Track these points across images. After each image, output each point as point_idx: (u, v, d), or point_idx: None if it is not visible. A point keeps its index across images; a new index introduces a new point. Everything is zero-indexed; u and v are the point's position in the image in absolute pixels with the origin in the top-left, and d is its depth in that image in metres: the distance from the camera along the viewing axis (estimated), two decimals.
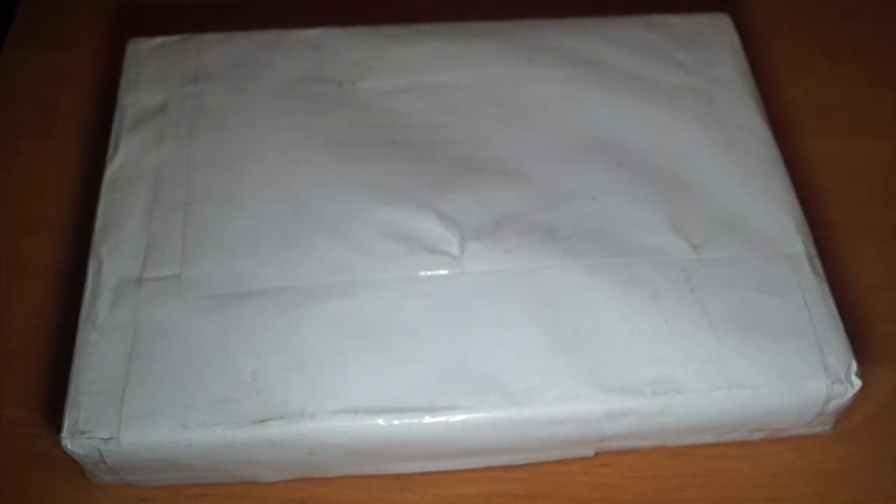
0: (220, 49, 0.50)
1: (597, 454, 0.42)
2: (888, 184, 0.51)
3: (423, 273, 0.42)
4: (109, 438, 0.37)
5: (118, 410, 0.38)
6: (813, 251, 0.43)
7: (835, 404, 0.40)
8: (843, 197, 0.50)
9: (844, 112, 0.54)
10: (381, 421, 0.38)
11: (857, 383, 0.40)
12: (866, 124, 0.53)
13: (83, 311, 0.41)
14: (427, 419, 0.38)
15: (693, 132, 0.47)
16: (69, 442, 0.38)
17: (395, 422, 0.38)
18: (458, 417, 0.38)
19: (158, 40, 0.51)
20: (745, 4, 0.58)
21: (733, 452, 0.42)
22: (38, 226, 0.49)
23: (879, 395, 0.44)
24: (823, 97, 0.54)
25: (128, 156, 0.46)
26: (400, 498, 0.41)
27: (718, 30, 0.51)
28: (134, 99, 0.48)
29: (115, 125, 0.47)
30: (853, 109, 0.54)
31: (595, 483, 0.42)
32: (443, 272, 0.42)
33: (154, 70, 0.49)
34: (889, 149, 0.52)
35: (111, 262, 0.42)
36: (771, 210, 0.44)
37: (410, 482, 0.41)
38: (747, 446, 0.42)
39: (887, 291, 0.47)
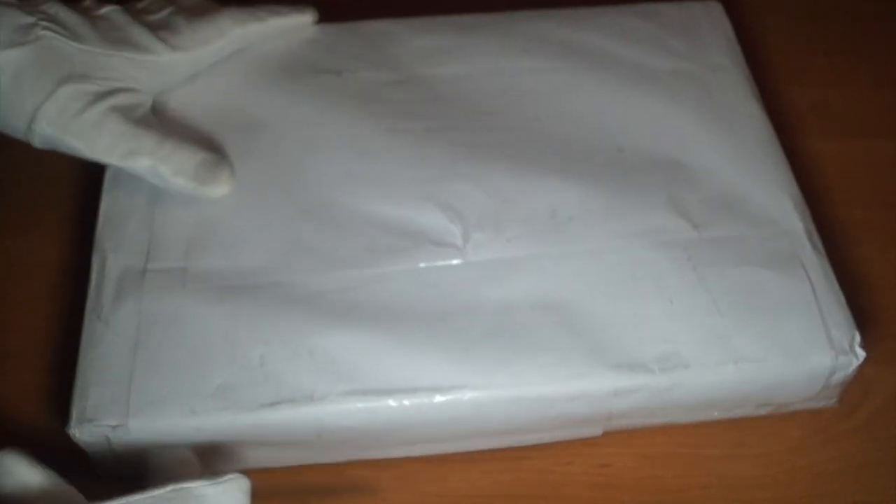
0: None
1: (604, 433, 0.42)
2: (889, 184, 0.51)
3: (427, 265, 0.42)
4: (118, 426, 0.37)
5: (126, 398, 0.38)
6: (812, 227, 0.44)
7: (840, 376, 0.40)
8: (844, 197, 0.50)
9: (844, 112, 0.54)
10: (391, 401, 0.38)
11: (861, 354, 0.40)
12: (866, 124, 0.53)
13: (88, 304, 0.41)
14: (437, 398, 0.38)
15: (690, 116, 0.47)
16: (77, 431, 0.37)
17: (405, 402, 0.38)
18: (468, 396, 0.38)
19: None
20: (745, 5, 0.58)
21: (734, 453, 0.42)
22: (40, 224, 0.49)
23: (880, 396, 0.44)
24: (823, 97, 0.55)
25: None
26: (399, 498, 0.41)
27: (710, 17, 0.52)
28: None
29: None
30: (853, 109, 0.54)
31: (595, 483, 0.42)
32: (447, 263, 0.42)
33: None
34: (889, 149, 0.52)
35: (115, 254, 0.42)
36: (769, 189, 0.45)
37: (410, 483, 0.41)
38: (748, 446, 0.43)
39: (888, 292, 0.47)
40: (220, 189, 0.44)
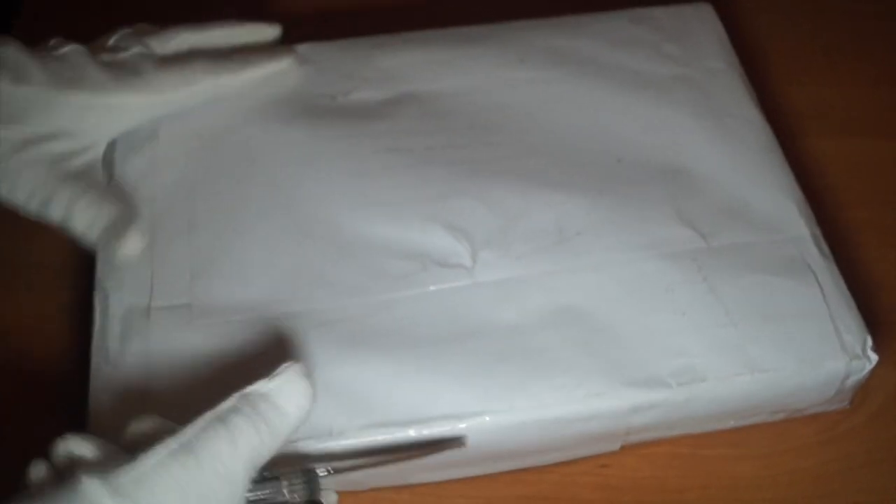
0: None
1: (622, 448, 0.42)
2: (889, 183, 0.51)
3: (436, 287, 0.42)
4: None
5: None
6: (817, 232, 0.44)
7: (853, 380, 0.41)
8: (844, 197, 0.50)
9: (844, 112, 0.54)
10: (411, 433, 0.38)
11: (874, 358, 0.40)
12: (865, 123, 0.53)
13: (94, 346, 0.40)
14: (458, 426, 0.38)
15: (688, 122, 0.47)
16: None
17: (425, 432, 0.38)
18: (487, 422, 0.38)
19: None
20: (738, 4, 0.58)
21: (733, 453, 0.43)
22: (40, 226, 0.47)
23: (879, 396, 0.44)
24: (823, 97, 0.54)
25: (123, 185, 0.45)
26: (398, 498, 0.41)
27: (702, 19, 0.52)
28: None
29: (105, 156, 0.46)
30: (853, 109, 0.54)
31: (596, 484, 0.42)
32: (456, 285, 0.42)
33: None
34: (889, 148, 0.52)
35: (117, 294, 0.41)
36: (772, 194, 0.45)
37: (410, 486, 0.41)
38: (748, 447, 0.43)
39: (888, 291, 0.47)
40: (126, 249, 0.42)
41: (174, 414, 0.38)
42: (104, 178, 0.45)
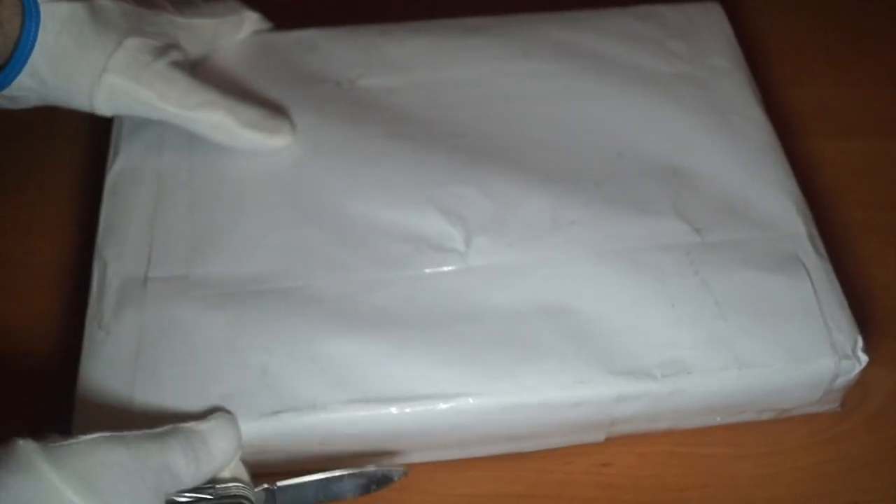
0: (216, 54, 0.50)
1: (607, 439, 0.42)
2: (889, 183, 0.51)
3: (429, 270, 0.42)
4: None
5: (128, 409, 0.38)
6: (814, 231, 0.44)
7: (842, 381, 0.40)
8: (843, 197, 0.50)
9: (845, 112, 0.54)
10: (393, 409, 0.38)
11: (864, 359, 0.40)
12: (866, 124, 0.53)
13: (89, 312, 0.41)
14: (440, 406, 0.38)
15: (690, 119, 0.47)
16: None
17: (408, 410, 0.38)
18: (471, 403, 0.38)
19: None
20: (743, 4, 0.58)
21: (733, 452, 0.42)
22: (41, 223, 0.49)
23: (879, 396, 0.44)
24: (824, 97, 0.54)
25: (128, 160, 0.46)
26: (399, 497, 0.41)
27: (710, 18, 0.52)
28: None
29: (114, 131, 0.47)
30: (854, 109, 0.54)
31: (596, 483, 0.42)
32: (449, 268, 0.42)
33: None
34: (889, 148, 0.52)
35: (116, 263, 0.42)
36: (771, 192, 0.45)
37: (410, 482, 0.41)
38: (748, 446, 0.43)
39: (887, 292, 0.47)
40: (283, 139, 0.45)
41: (161, 385, 0.38)
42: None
